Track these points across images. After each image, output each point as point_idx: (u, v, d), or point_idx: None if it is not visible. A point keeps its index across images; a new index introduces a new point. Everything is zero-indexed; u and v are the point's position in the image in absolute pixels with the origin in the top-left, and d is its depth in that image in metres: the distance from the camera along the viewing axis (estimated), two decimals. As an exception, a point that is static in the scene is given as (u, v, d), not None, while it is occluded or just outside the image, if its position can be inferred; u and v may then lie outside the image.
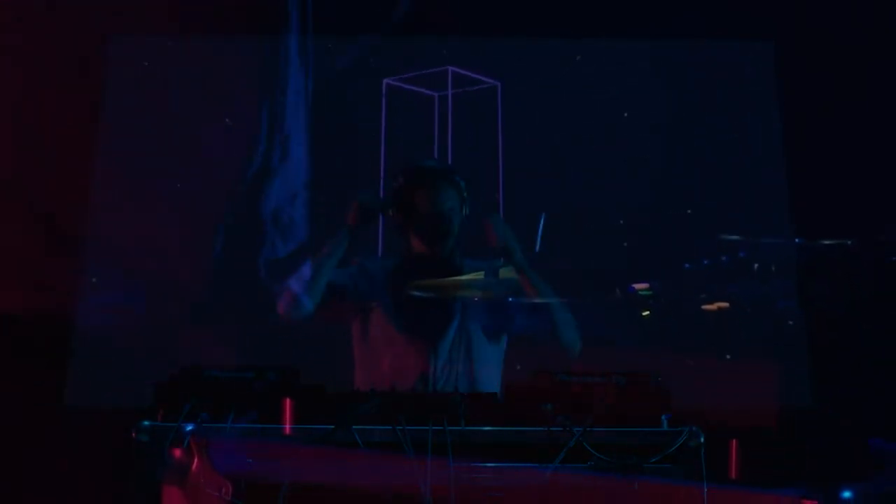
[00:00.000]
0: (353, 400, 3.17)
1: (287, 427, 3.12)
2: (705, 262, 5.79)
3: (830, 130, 5.40)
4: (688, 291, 5.77)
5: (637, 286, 5.80)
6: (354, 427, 3.10)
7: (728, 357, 5.62)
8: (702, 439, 3.13)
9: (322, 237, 4.47)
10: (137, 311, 5.29)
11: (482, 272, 4.31)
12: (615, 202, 5.75)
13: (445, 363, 4.14)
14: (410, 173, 4.24)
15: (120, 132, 5.45)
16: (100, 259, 5.35)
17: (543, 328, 4.34)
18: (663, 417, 3.18)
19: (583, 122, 5.66)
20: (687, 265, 5.80)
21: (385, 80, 5.72)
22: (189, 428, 3.04)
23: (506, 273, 4.30)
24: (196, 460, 3.02)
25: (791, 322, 5.63)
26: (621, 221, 5.79)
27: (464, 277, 4.26)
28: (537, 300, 4.23)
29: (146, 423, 3.07)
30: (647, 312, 5.81)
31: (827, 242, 5.62)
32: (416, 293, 4.18)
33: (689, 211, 5.76)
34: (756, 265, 5.76)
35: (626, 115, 5.74)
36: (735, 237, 5.74)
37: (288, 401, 3.13)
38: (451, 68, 5.67)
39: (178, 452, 3.03)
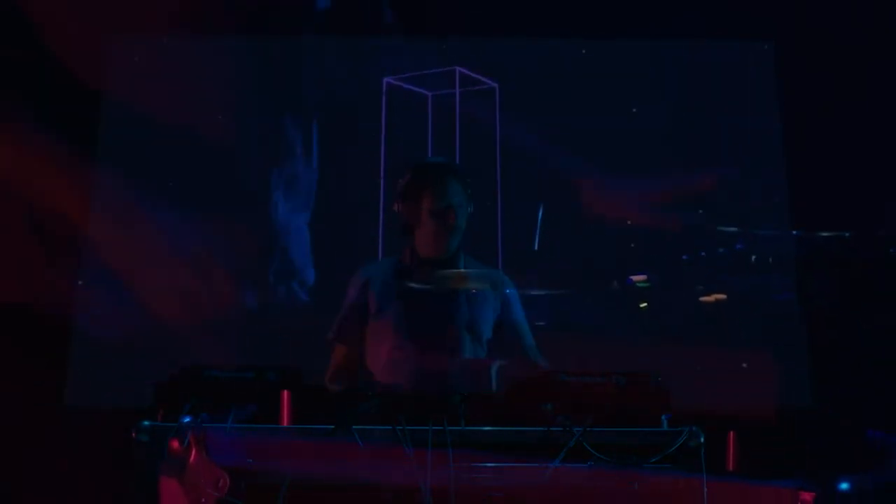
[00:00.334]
0: (353, 400, 3.16)
1: (285, 418, 3.11)
2: (702, 253, 5.80)
3: (829, 128, 5.40)
4: (686, 283, 5.78)
5: (635, 278, 5.81)
6: (354, 427, 3.09)
7: (726, 349, 5.63)
8: (702, 439, 3.13)
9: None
10: (137, 311, 5.28)
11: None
12: (614, 200, 5.75)
13: (450, 363, 4.13)
14: (417, 170, 4.24)
15: (120, 131, 5.45)
16: (100, 259, 5.35)
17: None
18: (663, 417, 3.17)
19: (583, 122, 5.65)
20: (685, 256, 5.80)
21: (385, 79, 5.72)
22: (186, 420, 3.03)
23: None
24: (194, 453, 3.01)
25: (789, 315, 5.64)
26: (629, 222, 5.79)
27: (464, 270, 4.24)
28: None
29: (146, 423, 3.07)
30: (644, 304, 5.82)
31: (825, 234, 5.63)
32: (415, 285, 4.17)
33: (700, 211, 5.76)
34: (754, 257, 5.77)
35: (626, 114, 5.74)
36: (733, 229, 5.75)
37: (286, 393, 3.13)
38: (458, 69, 5.66)
39: (175, 445, 3.02)
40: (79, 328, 5.23)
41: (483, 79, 5.71)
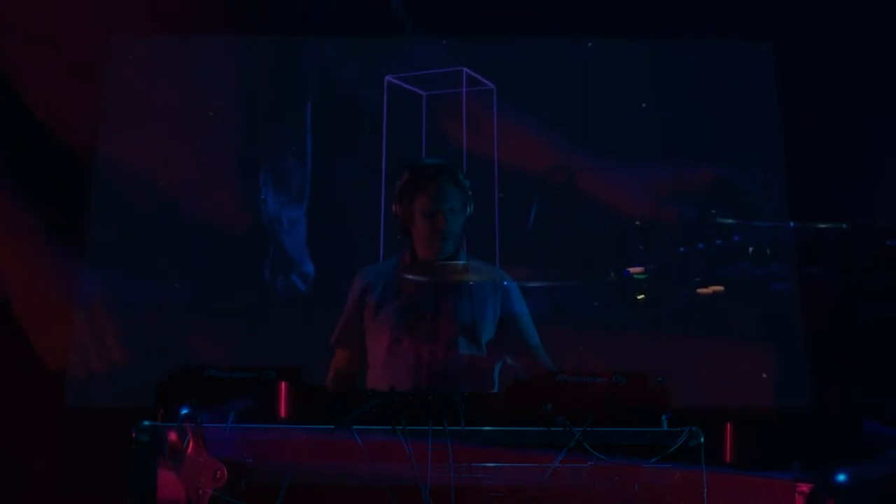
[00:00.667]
0: (353, 400, 3.16)
1: (282, 409, 3.11)
2: (700, 245, 5.80)
3: (827, 121, 5.39)
4: (683, 275, 5.78)
5: (632, 270, 5.81)
6: (354, 427, 3.09)
7: (723, 340, 5.63)
8: (702, 440, 3.14)
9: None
10: (137, 310, 5.29)
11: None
12: (612, 192, 5.75)
13: (448, 361, 4.12)
14: (412, 171, 4.22)
15: (120, 132, 5.44)
16: (100, 259, 5.34)
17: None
18: (663, 417, 3.18)
19: (583, 121, 5.65)
20: (682, 249, 5.80)
21: (387, 77, 5.70)
22: (184, 412, 3.03)
23: None
24: (191, 446, 3.02)
25: (787, 305, 5.64)
26: (638, 223, 5.80)
27: (462, 266, 4.24)
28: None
29: (146, 423, 3.07)
30: (642, 296, 5.82)
31: (822, 226, 5.63)
32: (415, 281, 4.17)
33: (697, 203, 5.76)
34: (751, 248, 5.77)
35: (625, 109, 5.73)
36: (730, 221, 5.75)
37: (284, 384, 3.13)
38: (465, 70, 5.65)
39: (173, 438, 3.03)
40: (78, 328, 5.23)
41: (483, 79, 5.70)
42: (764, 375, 5.45)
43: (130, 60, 5.47)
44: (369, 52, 5.71)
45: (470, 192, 4.20)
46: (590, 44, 5.72)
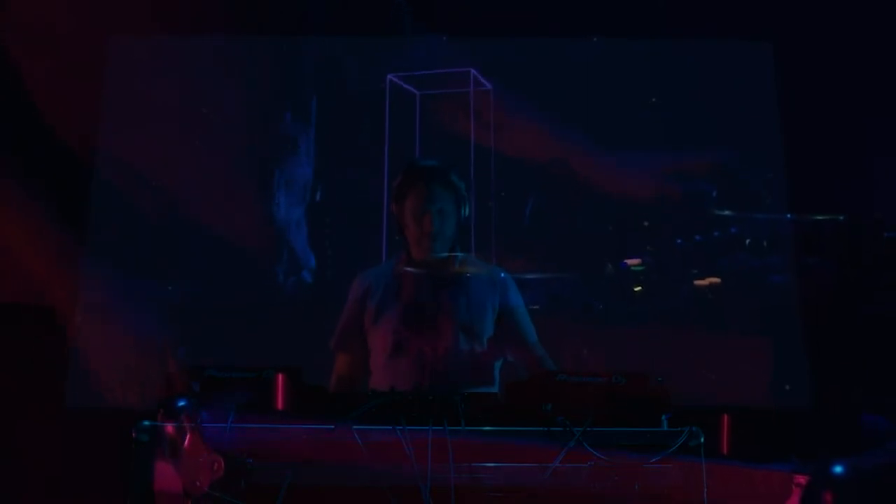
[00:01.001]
0: (353, 400, 3.16)
1: (280, 402, 3.11)
2: (697, 237, 5.80)
3: (827, 114, 5.39)
4: (681, 267, 5.79)
5: (629, 262, 5.82)
6: (354, 427, 3.09)
7: (721, 332, 5.64)
8: (702, 440, 3.14)
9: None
10: (137, 310, 5.28)
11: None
12: (611, 184, 5.75)
13: (449, 358, 4.12)
14: (406, 172, 4.22)
15: (120, 132, 5.43)
16: (100, 259, 5.34)
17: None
18: (663, 417, 3.19)
19: (583, 120, 5.65)
20: (679, 240, 5.81)
21: (389, 76, 5.70)
22: (181, 404, 3.03)
23: None
24: (189, 437, 3.02)
25: (784, 297, 5.65)
26: (646, 223, 5.80)
27: (457, 261, 4.23)
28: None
29: (146, 423, 3.07)
30: (639, 288, 5.83)
31: (820, 218, 5.63)
32: (413, 280, 4.17)
33: (695, 195, 5.76)
34: (748, 240, 5.77)
35: (625, 105, 5.73)
36: (728, 213, 5.75)
37: (281, 376, 3.13)
38: (473, 71, 5.64)
39: (171, 429, 3.03)
40: (79, 328, 5.22)
41: (483, 80, 5.70)
42: (761, 365, 5.45)
43: (130, 60, 5.46)
44: (370, 52, 5.71)
45: (465, 194, 4.18)
46: (595, 38, 5.71)
